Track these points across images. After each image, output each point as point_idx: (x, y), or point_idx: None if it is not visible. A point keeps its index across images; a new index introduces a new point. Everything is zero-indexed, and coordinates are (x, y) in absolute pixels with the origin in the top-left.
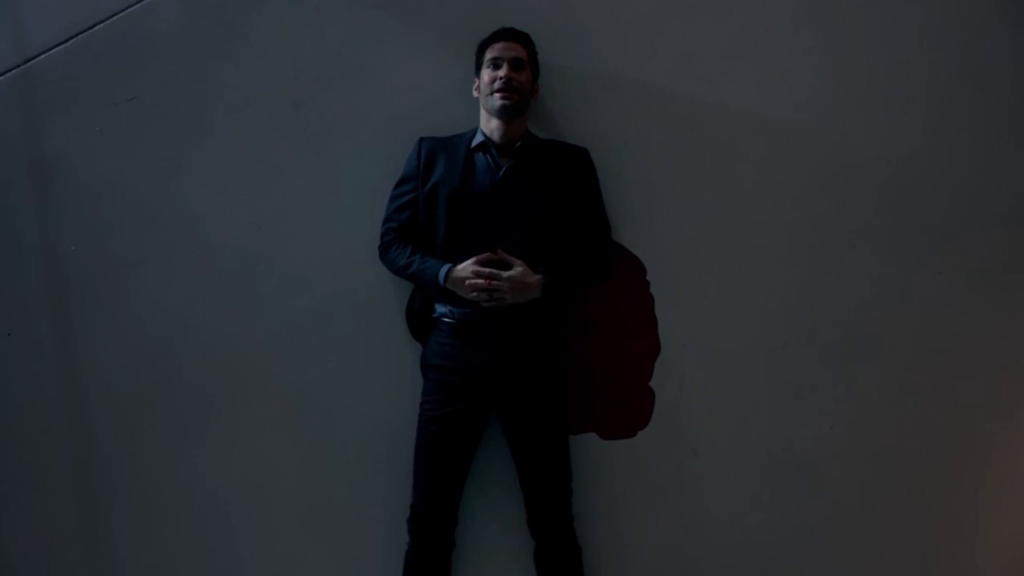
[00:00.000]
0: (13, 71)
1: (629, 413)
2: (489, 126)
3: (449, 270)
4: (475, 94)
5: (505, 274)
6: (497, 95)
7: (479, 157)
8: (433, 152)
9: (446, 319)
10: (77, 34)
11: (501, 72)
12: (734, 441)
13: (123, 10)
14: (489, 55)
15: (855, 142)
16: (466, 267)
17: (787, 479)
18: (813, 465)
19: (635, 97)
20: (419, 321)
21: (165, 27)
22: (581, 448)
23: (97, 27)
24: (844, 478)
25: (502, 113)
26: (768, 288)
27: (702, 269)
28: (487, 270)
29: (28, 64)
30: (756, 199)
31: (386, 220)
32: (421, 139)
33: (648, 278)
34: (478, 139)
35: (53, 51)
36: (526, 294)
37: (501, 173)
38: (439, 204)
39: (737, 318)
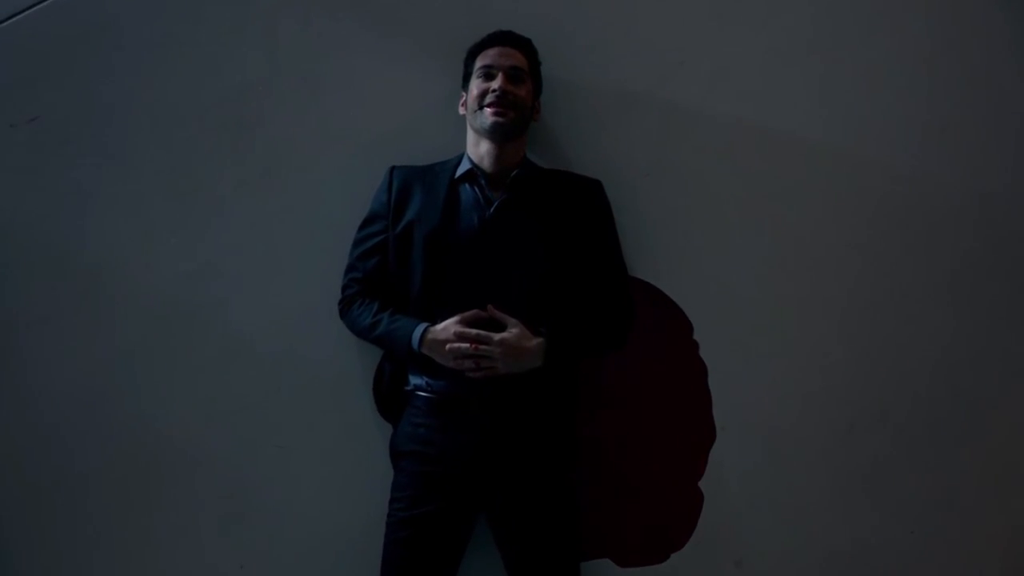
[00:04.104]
0: None
1: (663, 528)
2: (478, 151)
3: (425, 331)
4: (461, 111)
5: (496, 336)
6: (488, 110)
7: (465, 189)
8: (407, 184)
9: (422, 393)
10: None
11: (495, 83)
12: (788, 548)
13: (24, 10)
14: (480, 63)
15: (931, 173)
16: (447, 327)
17: None
18: None
19: (658, 118)
20: (389, 396)
21: (77, 31)
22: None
23: None
24: None
25: (494, 132)
26: (829, 355)
27: (743, 331)
28: (473, 331)
29: None
30: (809, 243)
31: (349, 269)
32: (392, 168)
33: (696, 337)
34: (464, 167)
35: None
36: (523, 361)
37: (492, 209)
38: (414, 248)
39: (790, 393)
